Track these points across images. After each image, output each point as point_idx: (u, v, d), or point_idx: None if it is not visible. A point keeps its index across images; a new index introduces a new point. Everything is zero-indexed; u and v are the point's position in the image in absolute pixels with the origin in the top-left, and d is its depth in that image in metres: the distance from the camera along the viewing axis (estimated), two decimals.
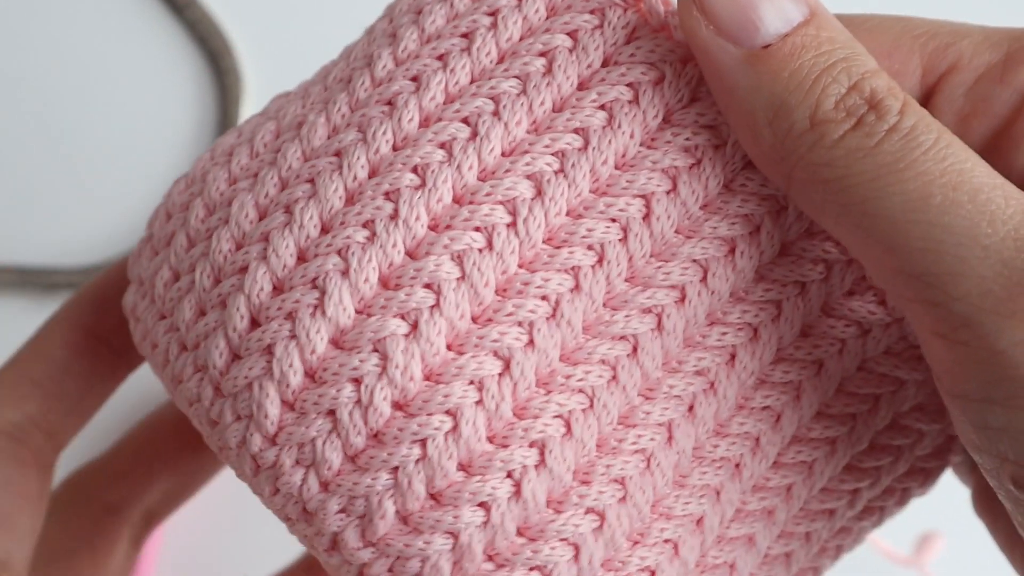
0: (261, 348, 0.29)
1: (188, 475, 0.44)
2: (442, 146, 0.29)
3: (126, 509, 0.42)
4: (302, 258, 0.30)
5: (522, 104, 0.30)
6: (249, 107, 0.61)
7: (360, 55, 0.32)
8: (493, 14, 0.31)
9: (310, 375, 0.29)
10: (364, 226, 0.29)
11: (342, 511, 0.29)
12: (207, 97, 0.61)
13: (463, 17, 0.31)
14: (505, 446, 0.29)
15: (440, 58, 0.31)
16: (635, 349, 0.29)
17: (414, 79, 0.30)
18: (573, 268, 0.29)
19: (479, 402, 0.29)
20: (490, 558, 0.29)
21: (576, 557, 0.29)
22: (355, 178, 0.30)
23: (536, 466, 0.29)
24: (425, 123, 0.30)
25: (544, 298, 0.29)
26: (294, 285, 0.29)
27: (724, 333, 0.30)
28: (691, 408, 0.30)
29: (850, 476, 0.33)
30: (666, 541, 0.30)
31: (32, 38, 0.61)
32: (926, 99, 0.31)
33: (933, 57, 0.30)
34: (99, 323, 0.38)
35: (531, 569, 0.29)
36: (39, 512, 0.37)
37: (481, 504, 0.29)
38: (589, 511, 0.29)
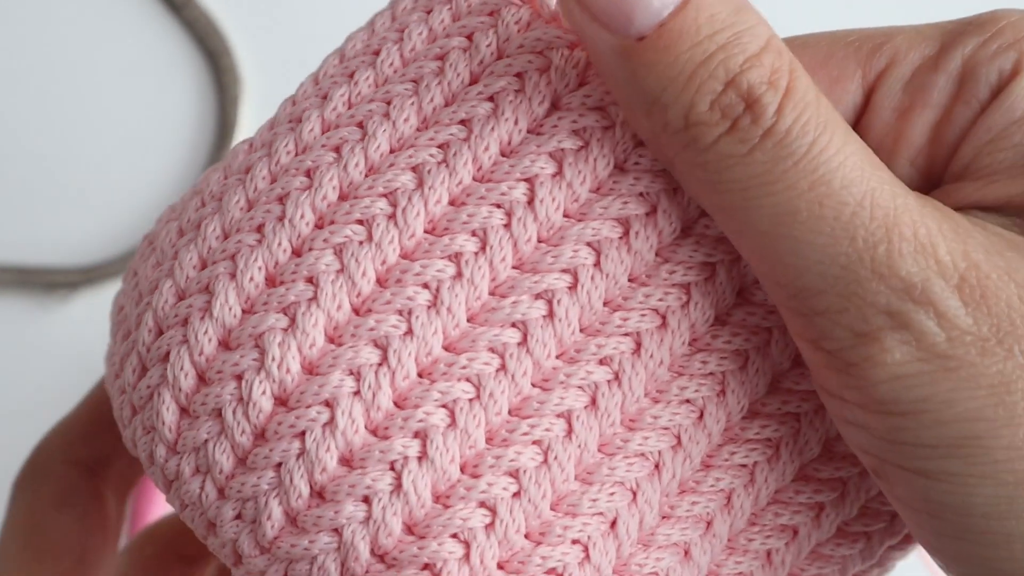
0: (160, 356, 0.30)
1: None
2: (334, 149, 0.30)
3: (104, 468, 0.41)
4: (203, 266, 0.30)
5: (411, 103, 0.30)
6: (247, 106, 0.61)
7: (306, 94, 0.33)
8: (401, 30, 0.31)
9: (201, 377, 0.29)
10: (256, 230, 0.30)
11: (236, 517, 0.29)
12: (205, 96, 0.61)
13: (376, 36, 0.31)
14: (386, 437, 0.28)
15: (350, 75, 0.31)
16: (525, 337, 0.29)
17: (322, 96, 0.31)
18: (454, 255, 0.29)
19: (356, 392, 0.28)
20: (379, 558, 0.29)
21: (467, 555, 0.28)
22: (255, 189, 0.30)
23: (418, 457, 0.28)
24: (324, 131, 0.30)
25: (424, 285, 0.29)
26: (190, 292, 0.30)
27: (625, 319, 0.29)
28: (593, 400, 0.30)
29: (843, 539, 0.32)
30: (574, 541, 0.30)
31: (31, 38, 0.61)
32: (867, 99, 0.30)
33: (869, 58, 0.30)
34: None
35: (422, 568, 0.28)
36: (114, 546, 0.38)
37: (363, 498, 0.28)
38: (480, 504, 0.29)
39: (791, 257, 0.26)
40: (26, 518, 0.39)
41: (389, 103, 0.30)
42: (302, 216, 0.29)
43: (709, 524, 0.30)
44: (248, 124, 0.60)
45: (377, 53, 0.31)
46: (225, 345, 0.29)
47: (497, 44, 0.30)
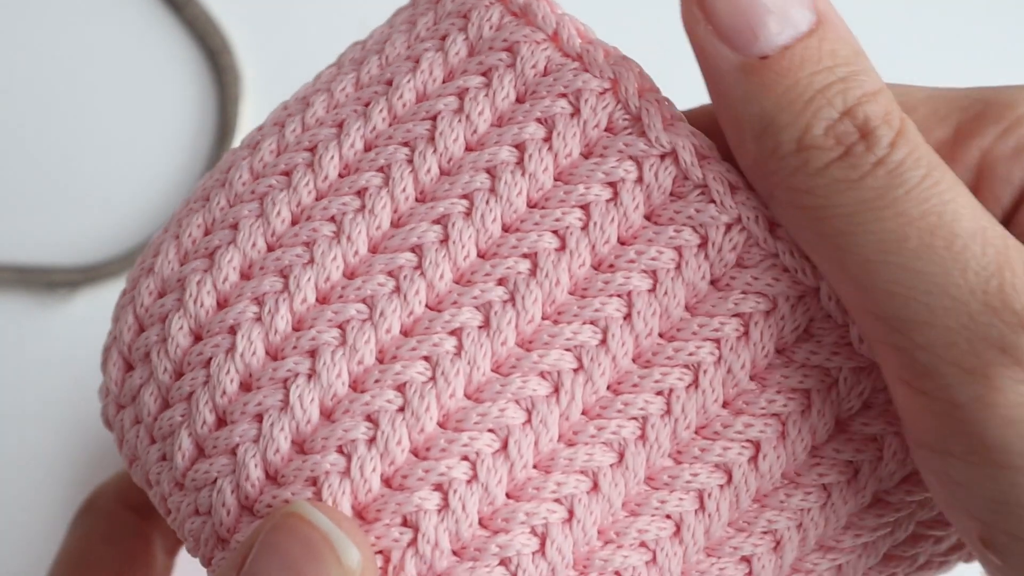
0: (183, 396, 0.30)
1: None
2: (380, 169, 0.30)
3: (156, 514, 0.42)
4: (223, 305, 0.30)
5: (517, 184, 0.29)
6: (248, 105, 0.61)
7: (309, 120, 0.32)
8: (460, 95, 0.30)
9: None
10: (280, 273, 0.30)
11: (160, 459, 0.30)
12: (206, 95, 0.61)
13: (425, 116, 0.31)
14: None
15: (407, 144, 0.30)
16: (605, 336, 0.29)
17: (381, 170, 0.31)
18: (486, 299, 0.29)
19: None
20: (271, 478, 0.29)
21: (347, 469, 0.28)
22: (273, 233, 0.30)
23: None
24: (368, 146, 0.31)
25: (390, 274, 0.29)
26: (213, 332, 0.30)
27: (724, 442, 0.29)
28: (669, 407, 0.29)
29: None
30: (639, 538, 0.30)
31: (31, 37, 0.61)
32: None
33: None
34: None
35: (306, 482, 0.28)
36: None
37: (255, 416, 0.29)
38: (366, 417, 0.28)
39: (896, 286, 0.26)
40: (76, 548, 0.40)
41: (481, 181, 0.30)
42: (326, 278, 0.30)
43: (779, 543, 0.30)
44: (248, 123, 0.60)
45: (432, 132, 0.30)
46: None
47: (584, 134, 0.29)
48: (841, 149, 0.26)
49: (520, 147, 0.29)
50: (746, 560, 0.29)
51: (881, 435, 0.29)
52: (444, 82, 0.31)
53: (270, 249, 0.30)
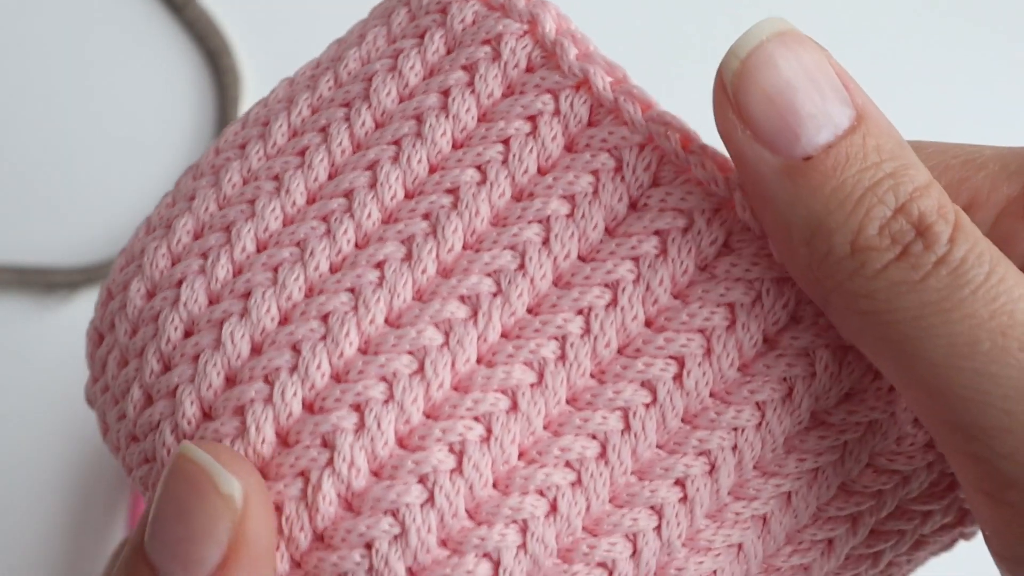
0: (136, 352, 0.31)
1: None
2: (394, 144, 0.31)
3: None
4: (212, 301, 0.31)
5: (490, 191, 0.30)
6: (247, 106, 0.61)
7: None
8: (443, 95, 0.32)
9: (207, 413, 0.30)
10: (224, 229, 0.31)
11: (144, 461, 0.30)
12: (205, 96, 0.61)
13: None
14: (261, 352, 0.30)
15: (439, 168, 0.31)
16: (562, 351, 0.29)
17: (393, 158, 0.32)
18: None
19: (243, 314, 0.30)
20: (206, 415, 0.29)
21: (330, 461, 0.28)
22: (224, 196, 0.32)
23: (290, 368, 0.29)
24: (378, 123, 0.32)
25: (323, 219, 0.30)
26: (199, 330, 0.31)
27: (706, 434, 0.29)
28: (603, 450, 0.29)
29: (848, 565, 0.31)
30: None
31: (30, 38, 0.61)
32: None
33: (948, 193, 0.27)
34: None
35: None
36: None
37: (193, 357, 0.30)
38: (354, 408, 0.28)
39: (971, 392, 0.24)
40: None
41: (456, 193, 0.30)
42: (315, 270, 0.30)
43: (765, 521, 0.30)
44: None
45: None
46: (125, 266, 0.32)
47: (631, 190, 0.30)
48: (898, 249, 0.25)
49: (445, 93, 0.31)
50: (679, 483, 0.28)
51: (812, 349, 0.28)
52: (388, 44, 0.32)
53: (220, 208, 0.32)
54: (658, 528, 0.28)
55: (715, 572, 0.29)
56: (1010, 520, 0.25)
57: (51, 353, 0.57)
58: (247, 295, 0.30)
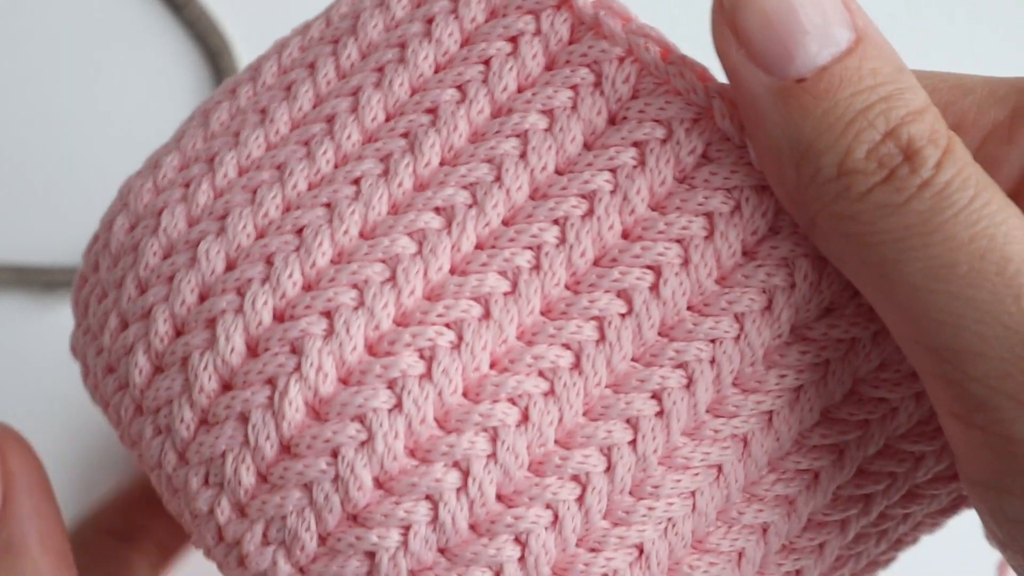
0: (142, 313, 0.31)
1: (171, 552, 0.43)
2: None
3: (138, 538, 0.42)
4: (192, 225, 0.31)
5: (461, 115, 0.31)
6: None
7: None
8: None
9: (225, 384, 0.30)
10: (247, 189, 0.31)
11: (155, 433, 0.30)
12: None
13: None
14: (292, 318, 0.29)
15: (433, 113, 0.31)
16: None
17: (404, 133, 0.32)
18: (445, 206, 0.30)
19: (264, 279, 0.30)
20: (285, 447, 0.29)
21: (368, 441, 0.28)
22: (247, 159, 0.32)
23: (324, 334, 0.29)
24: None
25: (306, 143, 0.31)
26: (177, 248, 0.31)
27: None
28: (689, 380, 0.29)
29: (812, 529, 0.31)
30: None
31: (30, 37, 0.61)
32: None
33: None
34: None
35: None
36: None
37: (240, 417, 0.29)
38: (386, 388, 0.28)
39: (946, 315, 0.24)
40: None
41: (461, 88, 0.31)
42: (320, 245, 0.30)
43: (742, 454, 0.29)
44: None
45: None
46: (132, 227, 0.32)
47: (608, 106, 0.30)
48: (884, 172, 0.25)
49: (429, 20, 0.31)
50: (656, 396, 0.28)
51: (792, 258, 0.28)
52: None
53: (206, 143, 0.32)
54: (633, 442, 0.28)
55: (693, 493, 0.29)
56: (980, 443, 0.25)
57: (51, 352, 0.57)
58: (225, 215, 0.30)
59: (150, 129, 0.60)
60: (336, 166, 0.30)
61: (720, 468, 0.29)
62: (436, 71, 0.31)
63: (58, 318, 0.58)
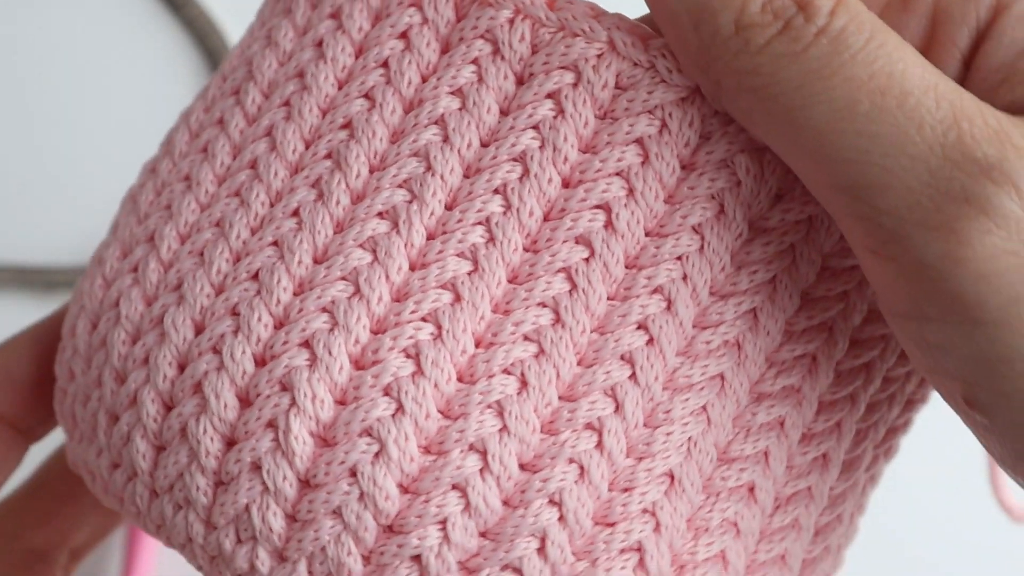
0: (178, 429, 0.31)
1: (115, 513, 0.42)
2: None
3: (55, 552, 0.41)
4: (151, 303, 0.31)
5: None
6: None
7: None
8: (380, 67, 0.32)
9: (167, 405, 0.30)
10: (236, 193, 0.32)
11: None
12: None
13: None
14: (273, 358, 0.29)
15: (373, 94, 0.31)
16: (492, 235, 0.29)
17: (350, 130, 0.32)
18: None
19: (257, 292, 0.30)
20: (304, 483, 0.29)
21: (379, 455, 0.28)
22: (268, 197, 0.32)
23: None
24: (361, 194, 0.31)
25: (268, 132, 0.31)
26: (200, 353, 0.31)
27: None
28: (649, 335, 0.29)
29: (825, 411, 0.31)
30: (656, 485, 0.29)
31: (29, 37, 0.61)
32: None
33: None
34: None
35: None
36: None
37: (270, 424, 0.29)
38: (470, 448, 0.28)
39: (852, 152, 0.25)
40: None
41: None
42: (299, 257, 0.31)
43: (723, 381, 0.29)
44: None
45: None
46: (106, 285, 0.32)
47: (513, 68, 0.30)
48: (780, 24, 0.26)
49: (319, 43, 0.32)
50: (641, 327, 0.28)
51: (729, 157, 0.28)
52: (260, 27, 0.34)
53: (140, 224, 0.33)
54: (633, 376, 0.28)
55: (704, 407, 0.29)
56: (895, 275, 0.25)
57: None
58: (180, 284, 0.30)
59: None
60: (272, 205, 0.31)
61: (722, 377, 0.29)
62: (340, 87, 0.31)
63: None
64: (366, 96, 0.30)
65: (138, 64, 0.61)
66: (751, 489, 0.30)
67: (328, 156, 0.30)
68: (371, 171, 0.30)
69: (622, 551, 0.28)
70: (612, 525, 0.28)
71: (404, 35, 0.30)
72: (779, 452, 0.30)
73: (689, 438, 0.29)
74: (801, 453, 0.31)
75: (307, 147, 0.31)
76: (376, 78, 0.30)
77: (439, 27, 0.30)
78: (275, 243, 0.30)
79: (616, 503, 0.28)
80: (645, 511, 0.28)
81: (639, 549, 0.28)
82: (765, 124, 0.27)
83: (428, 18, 0.30)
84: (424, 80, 0.30)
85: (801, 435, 0.30)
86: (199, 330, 0.30)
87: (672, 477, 0.29)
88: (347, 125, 0.30)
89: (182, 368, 0.30)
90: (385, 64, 0.30)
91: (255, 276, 0.30)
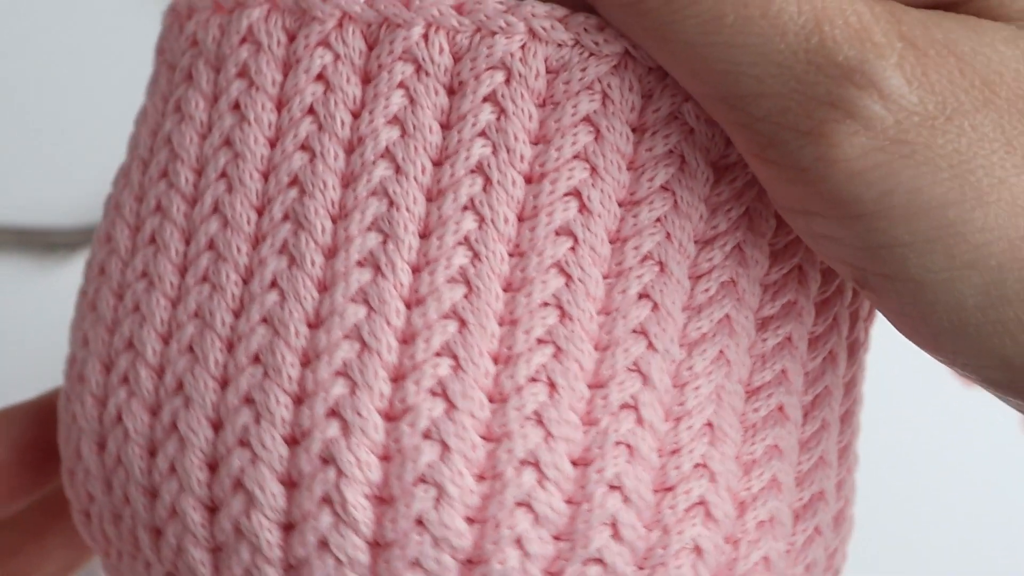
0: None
1: (83, 547, 0.42)
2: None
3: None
4: (156, 413, 0.31)
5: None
6: None
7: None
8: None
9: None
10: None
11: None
12: None
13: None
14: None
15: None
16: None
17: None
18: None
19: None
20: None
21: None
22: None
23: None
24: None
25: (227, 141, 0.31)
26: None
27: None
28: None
29: (822, 311, 0.32)
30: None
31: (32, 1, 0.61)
32: None
33: None
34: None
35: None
36: None
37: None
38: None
39: (724, 64, 0.26)
40: None
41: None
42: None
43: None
44: None
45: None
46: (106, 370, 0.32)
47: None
48: None
49: (236, 107, 0.30)
50: (643, 296, 0.29)
51: (675, 109, 0.29)
52: (163, 103, 0.33)
53: (111, 334, 0.32)
54: (650, 346, 0.29)
55: (721, 352, 0.30)
56: (778, 176, 0.26)
57: (51, 315, 0.57)
58: (181, 385, 0.30)
59: None
60: (245, 282, 0.30)
61: (728, 317, 0.30)
62: (272, 146, 0.30)
63: (60, 280, 0.58)
64: (303, 148, 0.30)
65: (143, 22, 0.61)
66: (780, 409, 0.31)
67: (286, 218, 0.29)
68: (334, 221, 0.29)
69: (687, 510, 0.29)
70: (672, 489, 0.29)
71: (321, 76, 0.30)
72: (794, 366, 0.31)
73: (716, 385, 0.30)
74: (811, 358, 0.32)
75: (260, 214, 0.30)
76: (308, 127, 0.30)
77: (353, 60, 0.29)
78: (265, 320, 0.29)
79: (669, 467, 0.29)
80: (697, 466, 0.29)
81: (703, 503, 0.29)
82: (642, 39, 0.27)
83: (340, 54, 0.29)
84: (356, 116, 0.29)
85: (808, 342, 0.31)
86: (217, 427, 0.30)
87: (712, 426, 0.29)
88: (294, 182, 0.30)
89: (213, 468, 0.30)
90: (312, 111, 0.30)
91: (256, 359, 0.29)
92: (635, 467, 0.28)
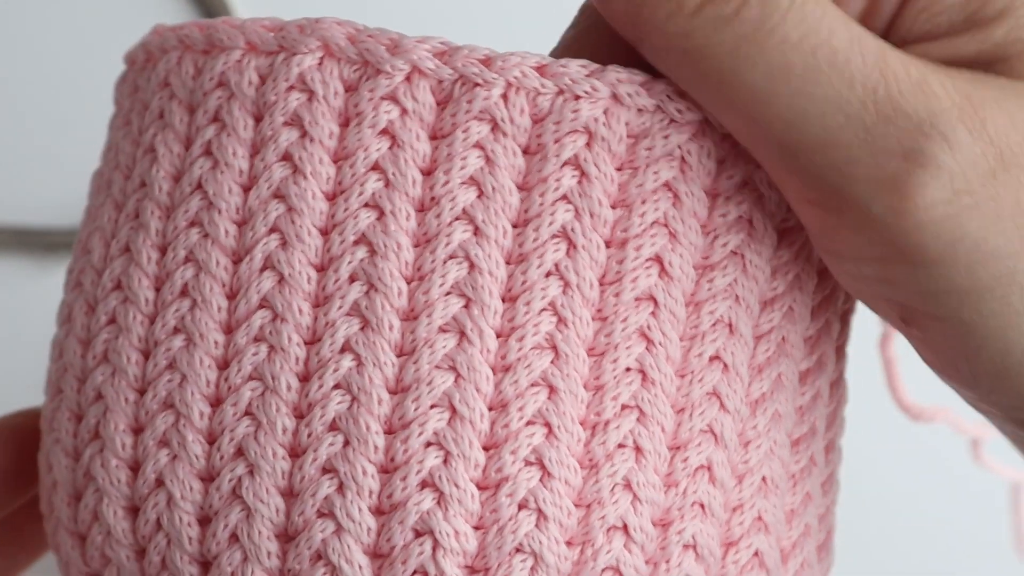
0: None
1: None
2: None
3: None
4: (135, 468, 0.30)
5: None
6: None
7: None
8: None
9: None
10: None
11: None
12: None
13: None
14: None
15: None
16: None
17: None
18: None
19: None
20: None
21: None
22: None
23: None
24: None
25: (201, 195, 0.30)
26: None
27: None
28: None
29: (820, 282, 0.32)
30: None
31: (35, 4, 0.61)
32: None
33: None
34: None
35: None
36: None
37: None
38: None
39: (791, 113, 0.26)
40: None
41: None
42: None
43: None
44: None
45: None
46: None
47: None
48: None
49: (208, 151, 0.30)
50: (715, 359, 0.29)
51: (749, 176, 0.29)
52: (134, 147, 0.31)
53: (82, 384, 0.31)
54: (722, 407, 0.29)
55: (776, 410, 0.30)
56: (835, 224, 0.27)
57: (50, 315, 0.57)
58: (165, 442, 0.29)
59: None
60: (227, 331, 0.29)
61: (780, 376, 0.31)
62: (246, 190, 0.29)
63: (59, 280, 0.57)
64: (368, 205, 0.29)
65: (141, 25, 0.61)
66: (812, 459, 0.32)
67: (354, 279, 0.29)
68: (408, 282, 0.29)
69: (747, 563, 0.30)
70: (735, 544, 0.30)
71: (386, 131, 0.29)
72: (821, 415, 0.32)
73: (772, 441, 0.31)
74: (830, 404, 0.33)
75: (237, 261, 0.29)
76: (374, 184, 0.29)
77: (423, 116, 0.29)
78: (253, 376, 0.29)
79: (734, 523, 0.30)
80: (756, 520, 0.30)
81: (758, 554, 0.30)
82: (694, 81, 0.27)
83: (408, 109, 0.29)
84: (426, 175, 0.29)
85: (828, 388, 0.32)
86: (206, 478, 0.29)
87: (766, 481, 0.31)
88: (361, 240, 0.29)
89: (203, 523, 0.29)
90: (376, 167, 0.29)
91: (249, 413, 0.29)
92: (707, 525, 0.29)
